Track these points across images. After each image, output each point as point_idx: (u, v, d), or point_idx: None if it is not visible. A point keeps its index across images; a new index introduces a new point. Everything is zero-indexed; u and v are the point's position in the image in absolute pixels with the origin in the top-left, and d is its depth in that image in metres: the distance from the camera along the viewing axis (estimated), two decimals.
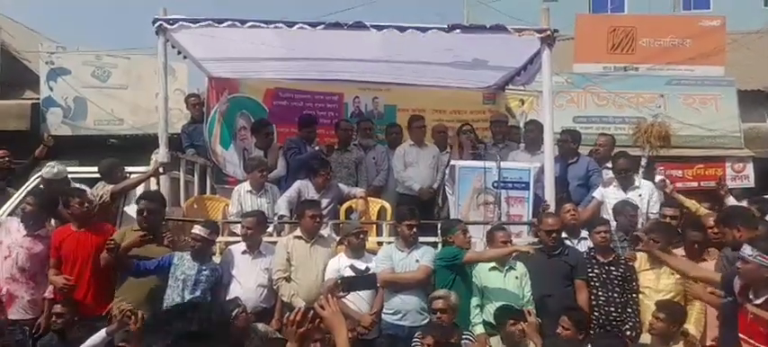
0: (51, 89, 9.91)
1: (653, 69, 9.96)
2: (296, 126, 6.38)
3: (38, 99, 9.93)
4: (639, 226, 4.98)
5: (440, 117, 6.99)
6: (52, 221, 4.94)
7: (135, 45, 10.16)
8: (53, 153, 6.14)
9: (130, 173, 5.54)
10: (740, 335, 3.28)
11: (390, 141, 6.46)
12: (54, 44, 10.50)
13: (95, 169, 5.45)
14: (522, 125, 7.12)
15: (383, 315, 4.41)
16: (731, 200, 5.57)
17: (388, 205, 5.76)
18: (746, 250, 3.21)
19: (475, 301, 4.38)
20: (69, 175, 5.41)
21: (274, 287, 4.53)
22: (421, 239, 4.68)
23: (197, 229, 4.38)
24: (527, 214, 5.15)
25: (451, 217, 5.17)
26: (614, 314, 4.30)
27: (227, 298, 4.30)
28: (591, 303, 4.35)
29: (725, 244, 4.11)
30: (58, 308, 4.21)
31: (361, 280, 3.78)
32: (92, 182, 5.35)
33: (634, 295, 4.34)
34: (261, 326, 4.17)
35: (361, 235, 4.60)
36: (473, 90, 7.21)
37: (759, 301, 3.18)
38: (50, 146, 5.88)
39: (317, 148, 6.01)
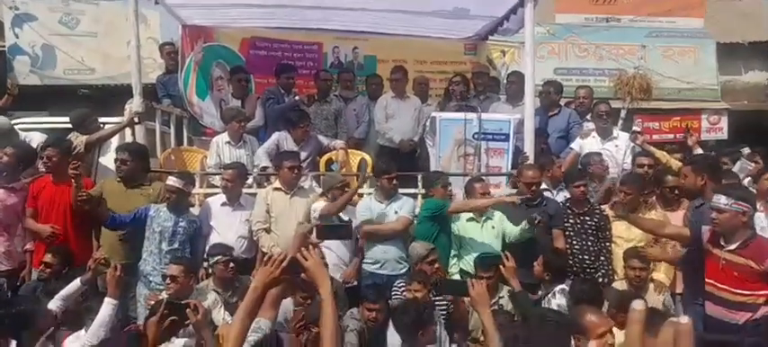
0: (17, 36, 9.52)
1: (634, 21, 9.94)
2: (274, 76, 6.25)
3: (3, 47, 9.53)
4: (615, 175, 5.07)
5: (421, 68, 6.92)
6: None
7: None
8: (21, 102, 5.93)
9: (104, 123, 5.40)
10: (709, 281, 3.39)
11: (371, 92, 6.37)
12: None
13: (67, 119, 5.30)
14: (503, 76, 7.08)
15: (363, 265, 4.47)
16: (699, 151, 5.67)
17: (368, 157, 5.74)
18: (721, 200, 3.28)
19: (454, 251, 4.46)
20: (17, 126, 5.26)
21: (254, 238, 4.53)
22: (402, 191, 4.70)
23: (171, 180, 4.31)
24: (506, 165, 5.18)
25: (432, 168, 5.18)
26: (588, 262, 4.41)
27: (213, 244, 4.32)
28: (566, 251, 4.44)
29: (686, 187, 4.16)
30: (48, 258, 4.15)
31: (336, 229, 3.79)
32: (64, 133, 5.21)
33: (607, 243, 4.45)
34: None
35: (345, 188, 4.60)
36: (454, 40, 7.11)
37: (733, 247, 3.29)
38: (15, 94, 5.67)
39: (296, 98, 5.92)
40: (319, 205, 4.43)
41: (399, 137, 5.87)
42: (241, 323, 2.19)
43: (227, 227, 4.51)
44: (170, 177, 4.37)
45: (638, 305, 0.81)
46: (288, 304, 3.69)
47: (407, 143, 5.87)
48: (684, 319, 0.74)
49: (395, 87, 6.06)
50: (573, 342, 2.62)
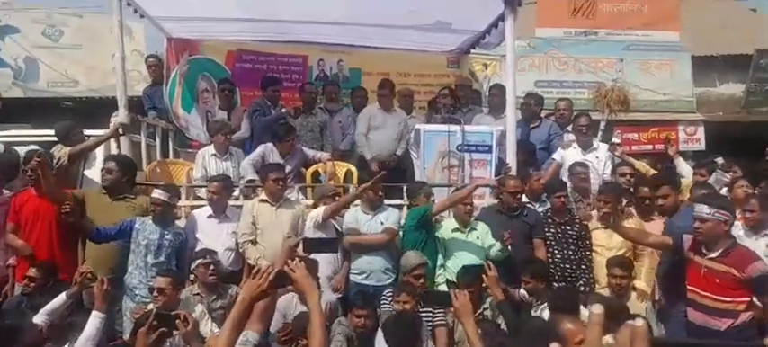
0: None
1: (612, 34, 10.18)
2: (259, 89, 6.30)
3: None
4: (595, 186, 5.19)
5: (404, 81, 7.00)
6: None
7: (87, 3, 9.65)
8: (4, 115, 5.90)
9: (89, 136, 5.39)
10: (691, 288, 3.47)
11: (355, 105, 6.44)
12: None
13: (51, 132, 5.28)
14: (485, 88, 7.20)
15: (350, 276, 4.50)
16: (680, 161, 5.83)
17: (354, 168, 5.79)
18: (704, 209, 3.36)
19: (439, 261, 4.51)
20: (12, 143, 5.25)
21: (240, 250, 4.55)
22: (388, 202, 4.76)
23: (157, 193, 4.31)
24: (490, 176, 5.27)
25: (417, 180, 5.24)
26: (569, 270, 4.50)
27: (196, 250, 4.33)
28: (548, 260, 4.53)
29: (668, 205, 4.25)
30: (32, 272, 4.12)
31: (324, 243, 3.85)
32: (48, 146, 5.19)
33: (587, 252, 4.52)
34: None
35: (336, 197, 4.66)
36: (437, 53, 7.22)
37: (714, 254, 3.37)
38: None
39: (283, 110, 5.96)
40: (318, 212, 4.48)
41: (370, 155, 5.80)
42: (228, 335, 2.20)
43: (213, 239, 4.52)
44: (155, 190, 4.37)
45: (596, 308, 0.87)
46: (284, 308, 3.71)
47: (387, 156, 5.81)
48: (639, 321, 0.80)
49: (382, 102, 6.05)
50: None
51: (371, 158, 5.79)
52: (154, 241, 4.24)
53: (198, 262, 4.09)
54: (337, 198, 4.60)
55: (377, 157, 5.78)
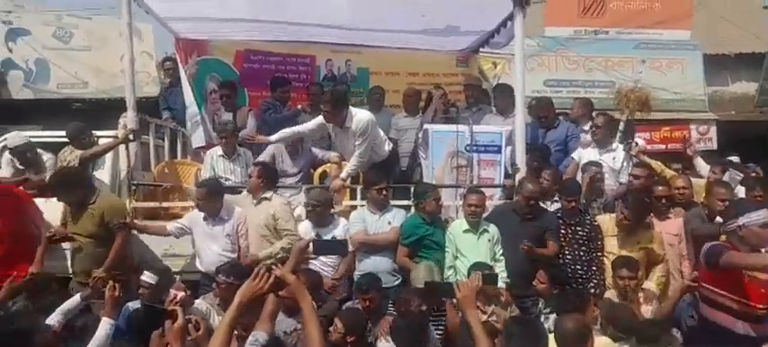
0: (10, 50, 9.52)
1: (622, 33, 10.08)
2: (268, 89, 6.29)
3: None
4: (613, 186, 5.13)
5: (413, 80, 6.98)
6: None
7: (97, 5, 9.72)
8: (15, 116, 5.94)
9: (98, 137, 5.41)
10: (733, 297, 3.29)
11: (372, 104, 6.36)
12: (10, 2, 10.03)
13: (62, 133, 5.30)
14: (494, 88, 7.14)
15: (356, 277, 4.45)
16: (699, 161, 5.75)
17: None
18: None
19: (449, 262, 4.45)
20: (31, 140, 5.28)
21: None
22: (398, 203, 4.75)
23: (146, 276, 3.88)
24: (499, 177, 5.21)
25: (425, 180, 5.20)
26: (580, 271, 4.43)
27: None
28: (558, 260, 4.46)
29: None
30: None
31: (332, 245, 3.82)
32: (58, 147, 5.22)
33: (598, 253, 4.45)
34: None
35: (333, 205, 4.62)
36: (446, 54, 7.18)
37: None
38: None
39: (299, 107, 5.94)
40: (304, 228, 4.47)
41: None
42: (223, 334, 2.29)
43: (207, 243, 4.53)
44: (145, 272, 3.94)
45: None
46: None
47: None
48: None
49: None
50: None
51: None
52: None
53: (223, 278, 3.88)
54: (334, 204, 4.55)
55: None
